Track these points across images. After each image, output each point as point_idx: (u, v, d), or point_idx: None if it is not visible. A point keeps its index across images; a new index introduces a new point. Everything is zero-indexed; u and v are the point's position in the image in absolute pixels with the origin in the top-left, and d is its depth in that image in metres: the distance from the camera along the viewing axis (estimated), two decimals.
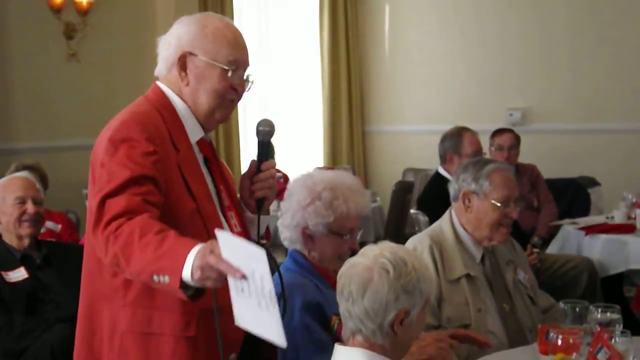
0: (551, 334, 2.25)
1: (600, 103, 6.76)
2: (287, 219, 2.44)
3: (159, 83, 2.06)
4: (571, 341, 2.21)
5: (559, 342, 2.22)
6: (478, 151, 4.60)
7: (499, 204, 2.83)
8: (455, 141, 4.64)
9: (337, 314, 2.29)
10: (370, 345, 1.90)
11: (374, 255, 1.91)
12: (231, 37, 2.01)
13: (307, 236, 2.42)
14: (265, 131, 2.09)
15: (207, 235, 1.92)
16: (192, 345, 1.90)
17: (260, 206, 2.10)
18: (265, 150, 2.10)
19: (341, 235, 2.39)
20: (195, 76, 2.00)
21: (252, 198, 2.09)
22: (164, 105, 2.00)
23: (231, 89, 2.01)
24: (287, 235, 2.47)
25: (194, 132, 2.03)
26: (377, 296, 1.86)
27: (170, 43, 2.02)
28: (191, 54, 1.99)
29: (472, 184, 2.88)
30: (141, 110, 1.97)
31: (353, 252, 2.34)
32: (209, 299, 1.84)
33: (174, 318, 1.89)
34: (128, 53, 6.48)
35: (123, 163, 1.84)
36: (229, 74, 1.99)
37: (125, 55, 6.47)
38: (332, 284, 2.35)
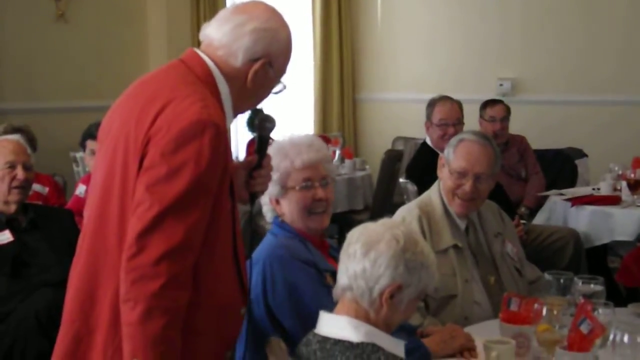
0: (512, 303, 2.29)
1: (590, 74, 6.77)
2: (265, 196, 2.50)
3: (209, 62, 1.93)
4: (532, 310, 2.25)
5: (518, 309, 2.26)
6: (446, 120, 4.60)
7: (452, 174, 2.86)
8: (429, 110, 4.71)
9: (328, 271, 2.35)
10: (356, 311, 1.90)
11: (390, 225, 1.93)
12: (292, 51, 2.04)
13: (275, 202, 2.48)
14: (270, 127, 2.07)
15: (232, 237, 1.91)
16: (196, 339, 1.86)
17: (254, 199, 2.10)
18: (266, 145, 2.09)
19: (297, 189, 2.42)
20: (261, 83, 1.97)
21: (246, 190, 2.07)
22: (212, 87, 1.92)
23: None
24: (266, 209, 2.53)
25: (229, 121, 1.97)
26: (378, 259, 1.87)
27: (259, 39, 1.93)
28: (270, 64, 1.96)
29: (446, 150, 2.94)
30: (208, 99, 1.87)
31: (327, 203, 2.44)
32: (215, 297, 1.85)
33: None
34: (116, 14, 6.42)
35: (190, 168, 1.76)
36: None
37: (113, 17, 6.41)
38: (317, 245, 2.44)
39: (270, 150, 2.38)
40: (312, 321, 2.05)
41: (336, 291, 1.95)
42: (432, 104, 4.71)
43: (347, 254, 1.92)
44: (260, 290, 2.32)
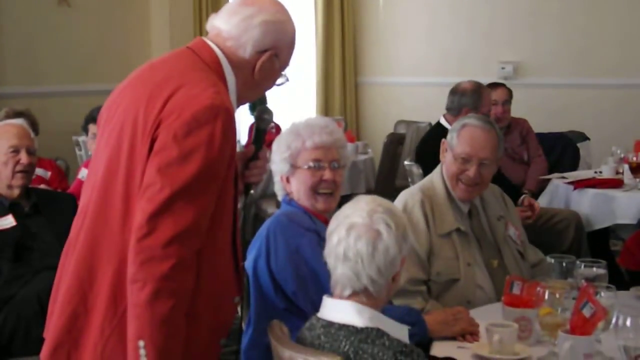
0: (515, 287, 2.29)
1: (592, 58, 6.76)
2: (275, 174, 2.56)
3: (218, 51, 1.95)
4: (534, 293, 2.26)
5: (521, 293, 2.27)
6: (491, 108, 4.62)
7: (456, 159, 2.85)
8: (475, 98, 4.56)
9: None
10: (361, 297, 1.91)
11: (368, 211, 1.91)
12: (296, 43, 2.07)
13: (285, 180, 2.52)
14: (268, 119, 2.12)
15: (232, 226, 1.93)
16: (193, 324, 1.86)
17: (249, 190, 2.12)
18: (263, 137, 2.12)
19: (304, 168, 2.47)
20: (267, 74, 2.00)
21: (241, 180, 2.08)
22: (220, 76, 1.94)
23: None
24: (277, 187, 2.57)
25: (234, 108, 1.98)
26: (388, 252, 1.88)
27: (268, 31, 1.96)
28: (277, 56, 1.99)
29: (449, 135, 2.93)
30: (219, 85, 1.89)
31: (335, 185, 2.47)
32: (213, 283, 1.86)
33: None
34: None
35: (202, 152, 1.77)
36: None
37: (116, 0, 6.38)
38: (322, 220, 2.48)
39: (285, 130, 2.49)
40: (314, 285, 2.05)
41: (344, 293, 1.93)
42: (480, 92, 4.57)
43: (350, 259, 1.88)
44: (264, 256, 2.38)
